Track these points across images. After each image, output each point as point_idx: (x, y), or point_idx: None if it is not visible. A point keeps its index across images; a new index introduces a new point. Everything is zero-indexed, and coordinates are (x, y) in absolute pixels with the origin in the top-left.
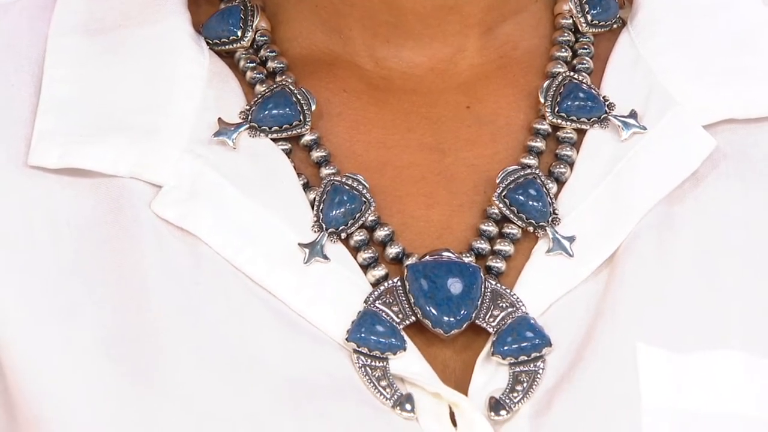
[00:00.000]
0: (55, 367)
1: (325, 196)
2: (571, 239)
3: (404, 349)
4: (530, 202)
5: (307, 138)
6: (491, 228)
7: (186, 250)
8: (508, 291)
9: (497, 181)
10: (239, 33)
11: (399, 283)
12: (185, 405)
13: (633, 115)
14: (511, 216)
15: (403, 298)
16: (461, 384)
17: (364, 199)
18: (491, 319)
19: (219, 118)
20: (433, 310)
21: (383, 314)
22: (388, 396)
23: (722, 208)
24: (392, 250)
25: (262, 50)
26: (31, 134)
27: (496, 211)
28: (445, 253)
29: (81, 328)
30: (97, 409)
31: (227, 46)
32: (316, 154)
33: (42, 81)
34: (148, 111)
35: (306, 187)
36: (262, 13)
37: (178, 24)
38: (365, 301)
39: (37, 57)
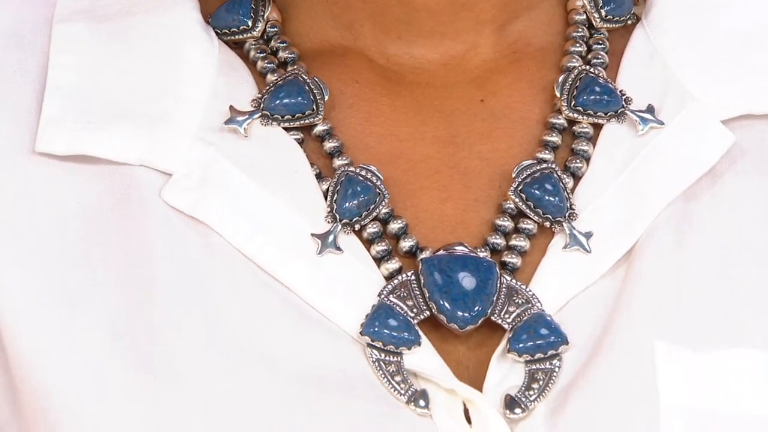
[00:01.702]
0: (61, 357)
1: (338, 187)
2: (588, 235)
3: (419, 344)
4: (546, 197)
5: (320, 128)
6: (507, 223)
7: (196, 239)
8: (524, 287)
9: (513, 176)
10: (250, 23)
11: (413, 277)
12: (194, 398)
13: (650, 109)
14: (527, 211)
15: (418, 293)
16: (475, 381)
17: (378, 191)
18: (507, 316)
19: (230, 106)
20: (448, 305)
21: (397, 308)
22: (403, 392)
23: (740, 205)
24: (406, 244)
25: (272, 41)
26: (37, 121)
27: (512, 205)
28: (459, 248)
29: (87, 318)
30: (104, 401)
31: (237, 36)
32: (329, 145)
33: (47, 67)
34: (157, 99)
35: (319, 177)
36: (273, 4)
37: (187, 12)
38: (379, 295)
39: (41, 44)
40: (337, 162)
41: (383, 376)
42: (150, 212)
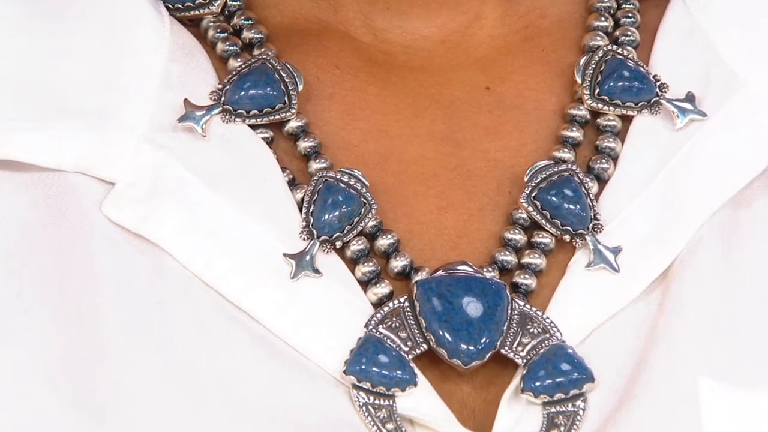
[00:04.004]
0: None
1: (316, 196)
2: (617, 250)
3: (414, 385)
4: (566, 205)
5: (293, 124)
6: (518, 236)
7: (146, 262)
8: (540, 313)
9: (525, 179)
10: None
11: (407, 304)
12: None
13: (690, 98)
14: (543, 222)
15: (413, 322)
16: (483, 427)
17: (363, 200)
18: (519, 348)
19: (185, 100)
20: (449, 337)
21: (388, 341)
22: None
23: None
24: (398, 263)
25: (235, 17)
26: None
27: (524, 215)
28: (462, 267)
29: (17, 354)
30: None
31: (192, 12)
32: (304, 145)
33: None
34: (96, 90)
35: (292, 184)
36: None
37: None
38: (366, 326)
39: None
40: (314, 165)
41: (372, 423)
42: (90, 229)
